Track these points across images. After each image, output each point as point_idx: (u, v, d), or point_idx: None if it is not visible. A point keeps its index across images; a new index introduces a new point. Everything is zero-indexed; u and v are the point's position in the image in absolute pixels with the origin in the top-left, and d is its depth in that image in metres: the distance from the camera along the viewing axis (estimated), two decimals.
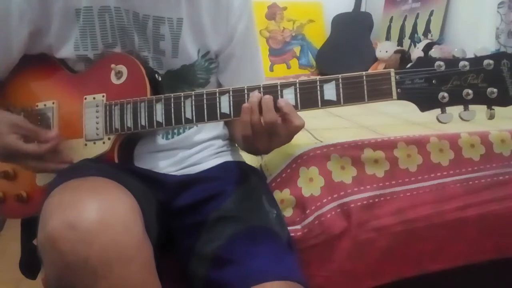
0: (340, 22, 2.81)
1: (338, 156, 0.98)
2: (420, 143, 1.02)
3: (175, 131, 0.93)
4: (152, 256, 0.68)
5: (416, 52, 2.18)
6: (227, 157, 0.97)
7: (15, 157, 0.84)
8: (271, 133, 0.76)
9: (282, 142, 0.80)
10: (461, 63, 0.72)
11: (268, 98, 0.76)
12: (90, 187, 0.71)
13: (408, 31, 2.49)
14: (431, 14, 2.33)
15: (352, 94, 0.75)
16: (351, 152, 0.99)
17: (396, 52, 2.36)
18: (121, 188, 0.71)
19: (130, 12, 0.86)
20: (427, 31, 2.33)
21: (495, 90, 0.72)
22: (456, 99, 0.73)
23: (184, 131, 0.93)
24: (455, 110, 0.75)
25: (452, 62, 0.73)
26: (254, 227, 0.81)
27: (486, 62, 0.72)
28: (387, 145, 1.00)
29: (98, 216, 0.62)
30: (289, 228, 0.91)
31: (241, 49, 0.95)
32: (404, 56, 2.31)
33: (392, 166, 0.99)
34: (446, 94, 0.73)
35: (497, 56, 0.72)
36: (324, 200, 0.96)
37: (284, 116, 0.75)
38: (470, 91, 0.72)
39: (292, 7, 2.91)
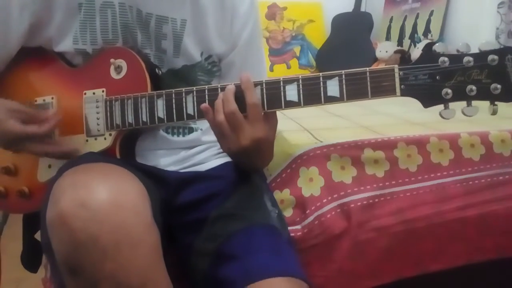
0: (340, 22, 2.80)
1: (338, 156, 0.98)
2: (420, 143, 1.02)
3: (180, 130, 0.92)
4: (160, 242, 0.68)
5: (416, 52, 2.18)
6: (228, 158, 0.97)
7: (17, 142, 0.83)
8: (234, 128, 0.75)
9: (251, 139, 0.75)
10: (465, 59, 0.72)
11: (228, 88, 0.75)
12: (101, 169, 0.72)
13: (408, 31, 2.49)
14: (431, 14, 2.33)
15: (355, 91, 0.75)
16: (351, 152, 0.99)
17: (396, 52, 2.36)
18: (130, 174, 0.72)
19: (133, 9, 0.86)
20: (427, 31, 2.32)
21: (498, 86, 0.71)
22: (460, 95, 0.73)
23: (190, 133, 0.93)
24: (457, 106, 0.74)
25: (456, 57, 0.73)
26: (255, 224, 0.81)
27: (490, 57, 0.71)
28: (387, 145, 1.00)
29: (110, 196, 0.63)
30: (289, 228, 0.91)
31: (243, 57, 0.94)
32: (404, 56, 2.31)
33: (392, 166, 0.99)
34: (449, 90, 0.73)
35: (501, 52, 0.71)
36: (324, 200, 0.95)
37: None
38: (473, 87, 0.72)
39: (292, 7, 2.91)
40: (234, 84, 0.77)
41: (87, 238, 0.60)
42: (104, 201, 0.62)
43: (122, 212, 0.62)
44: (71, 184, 0.65)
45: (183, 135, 0.93)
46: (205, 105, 0.76)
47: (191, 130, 0.94)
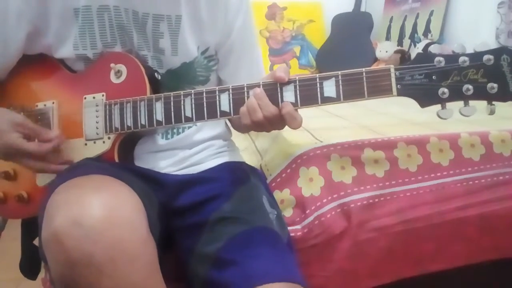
0: (340, 22, 2.81)
1: (338, 156, 0.98)
2: (420, 143, 1.02)
3: (175, 130, 0.93)
4: (156, 255, 0.68)
5: (416, 52, 2.18)
6: (227, 157, 0.96)
7: (15, 155, 0.83)
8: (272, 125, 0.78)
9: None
10: (461, 59, 0.72)
11: (260, 93, 0.77)
12: (95, 184, 0.71)
13: (408, 31, 2.49)
14: (431, 14, 2.33)
15: (352, 91, 0.75)
16: (351, 152, 0.99)
17: (396, 52, 2.37)
18: (125, 186, 0.71)
19: (129, 11, 0.86)
20: (427, 31, 2.33)
21: (495, 85, 0.71)
22: (456, 94, 0.73)
23: (183, 131, 0.93)
24: (455, 106, 0.74)
25: (452, 57, 0.73)
26: (255, 228, 0.80)
27: (486, 57, 0.71)
28: (387, 145, 1.00)
29: (104, 213, 0.62)
30: (289, 228, 0.91)
31: (240, 43, 0.95)
32: (404, 56, 2.31)
33: (392, 166, 0.99)
34: (446, 90, 0.73)
35: (497, 52, 0.71)
36: (324, 200, 0.95)
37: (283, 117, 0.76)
38: (470, 87, 0.72)
39: (292, 7, 2.91)
40: (262, 83, 0.78)
41: (82, 256, 0.59)
42: (98, 217, 0.61)
43: (116, 228, 0.62)
44: (64, 202, 0.65)
45: (177, 134, 0.93)
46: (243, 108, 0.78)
47: (184, 128, 0.94)
